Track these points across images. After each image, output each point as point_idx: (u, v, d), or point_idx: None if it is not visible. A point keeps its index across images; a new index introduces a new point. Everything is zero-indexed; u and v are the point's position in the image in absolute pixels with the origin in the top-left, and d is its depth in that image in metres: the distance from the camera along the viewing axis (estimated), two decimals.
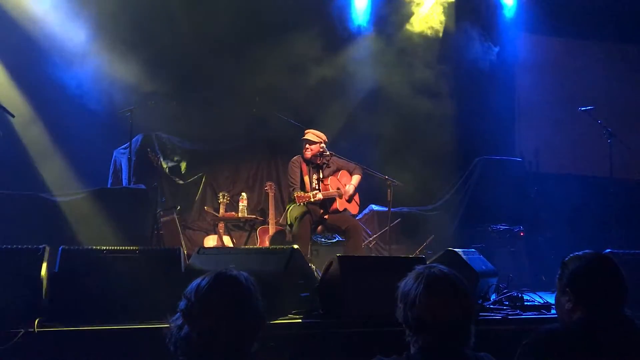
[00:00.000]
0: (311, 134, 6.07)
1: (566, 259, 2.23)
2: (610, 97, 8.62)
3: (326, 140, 6.13)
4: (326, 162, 6.14)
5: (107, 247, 3.82)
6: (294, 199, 5.69)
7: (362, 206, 6.87)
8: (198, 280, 1.84)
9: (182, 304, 1.82)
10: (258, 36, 7.71)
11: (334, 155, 6.15)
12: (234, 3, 7.54)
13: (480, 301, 4.34)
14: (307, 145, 6.03)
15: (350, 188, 6.05)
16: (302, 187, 5.97)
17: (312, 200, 5.65)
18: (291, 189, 6.02)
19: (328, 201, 5.97)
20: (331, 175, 6.13)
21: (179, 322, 1.79)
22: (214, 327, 1.75)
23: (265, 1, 7.69)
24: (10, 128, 5.89)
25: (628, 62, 9.13)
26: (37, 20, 6.92)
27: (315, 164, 6.13)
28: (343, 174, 6.22)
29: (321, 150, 6.01)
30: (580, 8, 8.45)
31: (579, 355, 1.94)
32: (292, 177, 6.10)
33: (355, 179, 6.17)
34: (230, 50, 7.63)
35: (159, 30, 7.19)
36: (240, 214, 6.79)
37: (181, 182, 7.49)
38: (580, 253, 2.21)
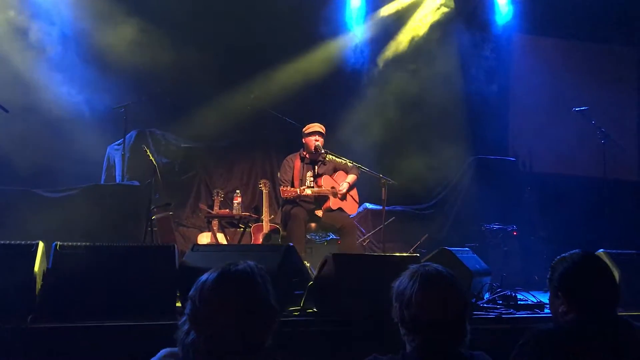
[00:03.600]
0: (319, 127, 6.11)
1: (554, 261, 2.23)
2: (604, 97, 8.65)
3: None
4: (322, 160, 6.16)
5: (101, 244, 3.80)
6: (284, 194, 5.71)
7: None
8: (201, 279, 1.73)
9: (187, 307, 1.71)
10: (254, 34, 7.70)
11: (329, 154, 6.15)
12: (232, 2, 7.55)
13: (474, 300, 4.35)
14: (318, 137, 6.05)
15: (344, 186, 6.04)
16: (293, 186, 5.97)
17: (298, 194, 5.67)
18: (280, 186, 6.02)
19: (321, 199, 5.97)
20: (327, 174, 6.13)
21: (186, 327, 1.69)
22: (222, 331, 1.65)
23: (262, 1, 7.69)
24: (3, 123, 5.85)
25: (622, 63, 9.17)
26: (30, 13, 6.91)
27: (310, 161, 6.14)
28: (340, 174, 6.22)
29: (322, 144, 6.06)
30: (575, 9, 8.47)
31: (575, 355, 1.94)
32: (283, 175, 6.11)
33: (351, 177, 6.17)
34: (226, 47, 7.62)
35: (155, 28, 7.17)
36: (234, 212, 6.77)
37: (175, 179, 7.46)
38: (566, 254, 2.20)
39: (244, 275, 1.72)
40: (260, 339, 1.71)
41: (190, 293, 1.73)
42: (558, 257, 2.22)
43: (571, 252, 2.20)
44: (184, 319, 1.71)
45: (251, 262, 1.77)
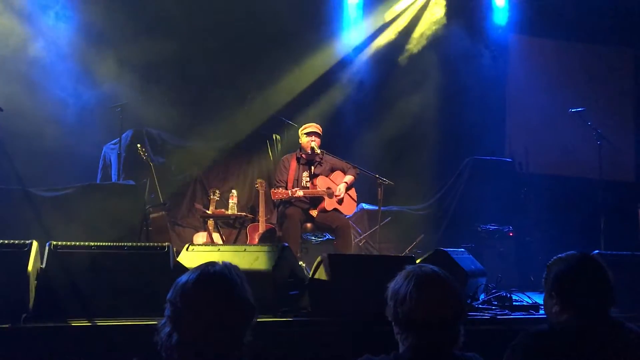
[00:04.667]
0: (316, 127, 6.10)
1: (550, 261, 2.23)
2: (600, 98, 8.67)
3: None
4: (319, 160, 6.15)
5: (96, 243, 3.79)
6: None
7: None
8: (180, 281, 1.77)
9: (167, 310, 1.75)
10: (252, 34, 7.69)
11: (326, 154, 6.15)
12: (230, 3, 7.54)
13: (469, 301, 4.35)
14: (315, 137, 6.04)
15: (340, 190, 6.03)
16: (288, 187, 5.96)
17: (289, 196, 5.66)
18: (275, 187, 6.01)
19: (317, 200, 5.96)
20: (324, 174, 6.11)
21: (167, 329, 1.74)
22: (205, 330, 1.71)
23: (261, 1, 7.68)
24: None
25: (618, 64, 9.18)
26: (25, 12, 6.90)
27: (306, 161, 6.13)
28: (337, 174, 6.21)
29: (319, 145, 6.06)
30: (571, 10, 8.49)
31: (567, 356, 1.94)
32: (278, 176, 6.10)
33: (349, 178, 6.16)
34: (224, 47, 7.61)
35: (151, 26, 7.16)
36: (230, 211, 6.77)
37: (171, 178, 7.44)
38: (563, 255, 2.20)
39: (223, 275, 1.78)
40: (241, 335, 1.77)
41: (170, 296, 1.77)
42: (555, 256, 2.21)
43: (568, 252, 2.20)
44: (163, 321, 1.75)
45: (227, 262, 1.84)
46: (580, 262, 2.15)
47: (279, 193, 5.63)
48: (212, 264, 1.82)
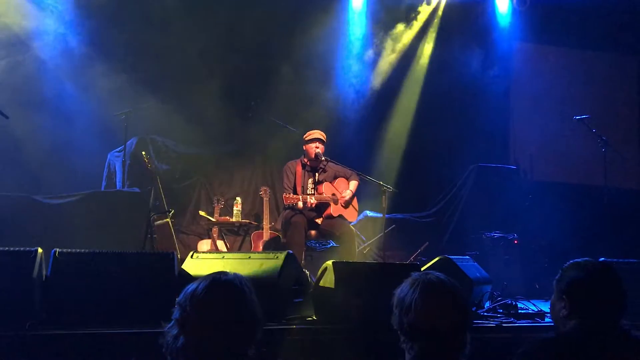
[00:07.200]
0: (320, 134, 6.11)
1: (566, 265, 2.20)
2: (604, 106, 8.66)
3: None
4: (322, 167, 6.16)
5: (100, 251, 3.80)
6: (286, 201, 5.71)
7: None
8: (191, 287, 1.80)
9: (176, 313, 1.79)
10: (256, 41, 7.71)
11: (330, 161, 6.16)
12: (232, 8, 7.56)
13: (474, 309, 4.34)
14: (318, 144, 6.06)
15: (347, 194, 6.05)
16: (296, 192, 5.98)
17: (300, 202, 5.66)
18: (284, 193, 6.03)
19: (322, 206, 5.97)
20: (328, 181, 6.13)
21: (174, 331, 1.76)
22: (212, 336, 1.73)
23: (264, 6, 7.70)
24: (3, 129, 5.86)
25: (623, 71, 9.18)
26: (30, 21, 6.94)
27: (311, 168, 6.14)
28: (340, 181, 6.22)
29: (323, 152, 6.07)
30: (575, 17, 8.50)
31: None
32: (285, 182, 6.12)
33: (353, 184, 6.17)
34: (226, 54, 7.63)
35: (153, 34, 7.18)
36: (234, 219, 6.77)
37: (176, 185, 7.45)
38: (580, 261, 2.17)
39: (233, 284, 1.81)
40: (246, 346, 1.79)
41: (180, 300, 1.80)
42: (571, 261, 2.19)
43: (586, 259, 2.17)
44: (171, 324, 1.79)
45: (238, 274, 1.87)
46: (598, 271, 2.12)
47: (291, 198, 5.64)
48: (224, 273, 1.86)
